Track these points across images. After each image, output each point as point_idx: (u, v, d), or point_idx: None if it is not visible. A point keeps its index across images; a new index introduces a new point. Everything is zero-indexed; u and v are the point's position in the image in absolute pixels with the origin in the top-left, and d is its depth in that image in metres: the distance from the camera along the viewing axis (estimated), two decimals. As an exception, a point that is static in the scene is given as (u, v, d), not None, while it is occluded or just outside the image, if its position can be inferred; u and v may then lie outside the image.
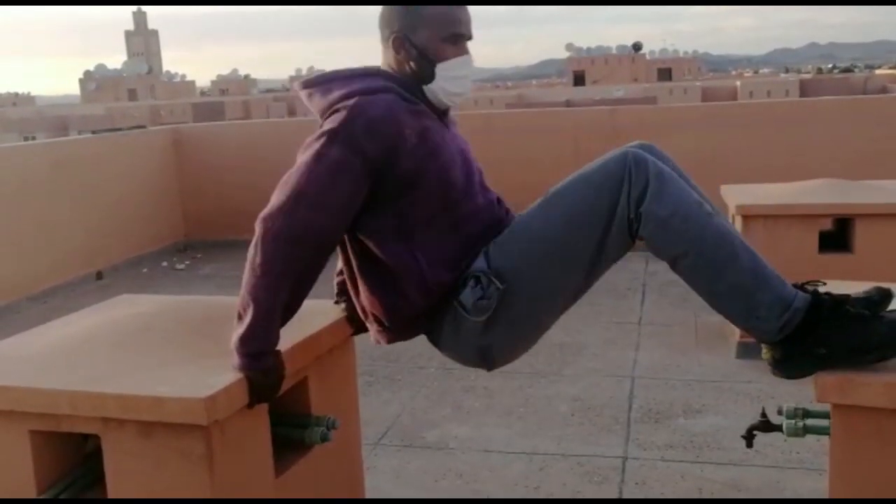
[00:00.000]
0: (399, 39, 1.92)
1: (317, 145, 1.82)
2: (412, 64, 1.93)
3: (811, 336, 1.71)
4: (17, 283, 5.68)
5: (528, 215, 1.93)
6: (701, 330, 4.37)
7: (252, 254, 1.79)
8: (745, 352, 3.89)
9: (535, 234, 1.89)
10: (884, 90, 47.07)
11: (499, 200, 2.08)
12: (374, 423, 3.36)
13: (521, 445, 3.14)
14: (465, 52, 1.95)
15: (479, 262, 1.91)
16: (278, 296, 1.79)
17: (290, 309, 1.86)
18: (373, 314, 2.01)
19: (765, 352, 1.81)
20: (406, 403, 3.62)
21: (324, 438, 2.01)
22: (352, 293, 2.06)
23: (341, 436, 2.14)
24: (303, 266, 1.81)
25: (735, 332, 4.01)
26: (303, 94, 1.98)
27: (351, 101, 1.82)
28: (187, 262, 6.91)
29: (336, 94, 1.88)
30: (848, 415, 1.64)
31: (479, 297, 1.86)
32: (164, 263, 6.88)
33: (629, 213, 1.80)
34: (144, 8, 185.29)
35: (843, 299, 1.73)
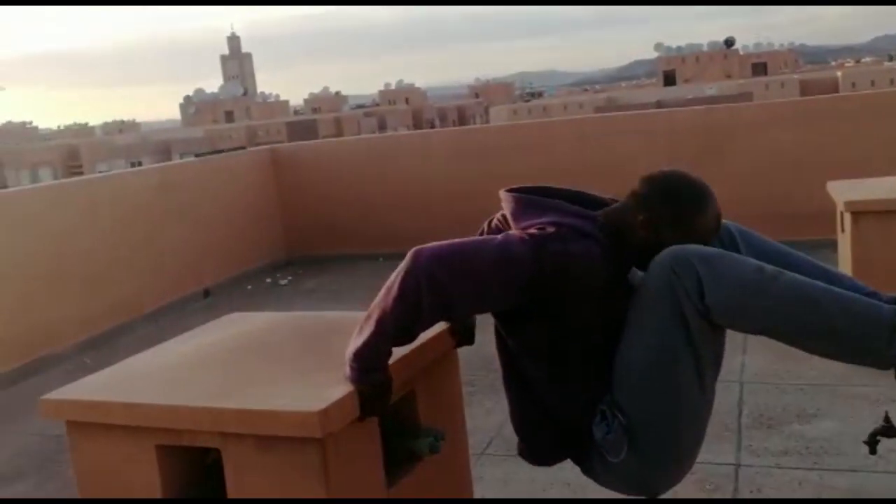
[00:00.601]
0: (652, 226, 1.90)
1: (512, 236, 1.87)
2: (640, 243, 1.91)
3: None
4: (131, 303, 5.94)
5: (623, 345, 1.91)
6: (811, 332, 4.22)
7: (393, 278, 1.82)
8: (861, 354, 3.74)
9: (633, 367, 1.88)
10: None
11: None
12: (478, 432, 3.37)
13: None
14: None
15: (608, 395, 1.94)
16: (401, 324, 1.82)
17: (406, 338, 1.89)
18: (519, 429, 2.12)
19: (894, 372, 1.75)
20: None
21: (433, 450, 2.04)
22: (509, 397, 2.14)
23: (449, 446, 2.16)
24: (429, 314, 1.83)
25: (848, 334, 3.85)
26: (509, 203, 2.00)
27: (562, 229, 1.84)
28: (290, 278, 7.09)
29: (549, 217, 1.89)
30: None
31: (606, 432, 1.90)
32: (268, 280, 7.08)
33: (698, 310, 1.76)
34: (238, 32, 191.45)
35: None
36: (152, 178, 6.80)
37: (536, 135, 7.37)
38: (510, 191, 2.02)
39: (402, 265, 1.81)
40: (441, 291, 1.78)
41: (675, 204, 1.89)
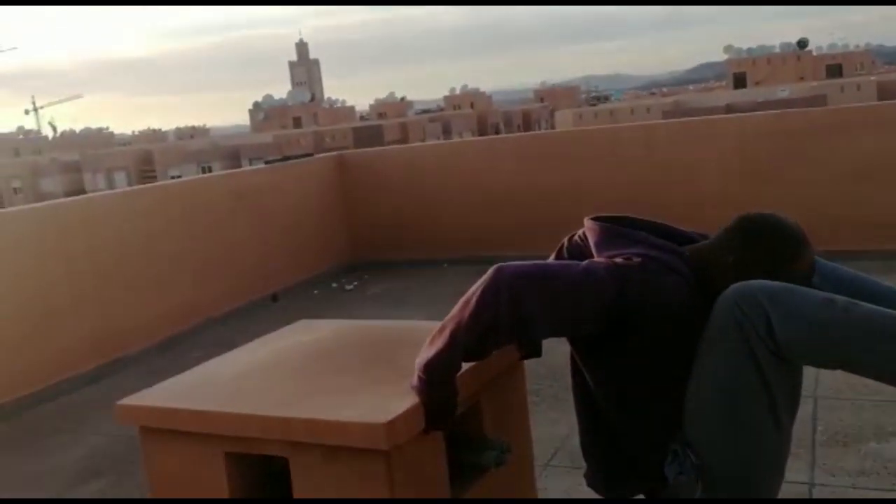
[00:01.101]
0: (743, 268, 1.85)
1: (598, 262, 1.85)
2: (728, 284, 1.84)
3: None
4: (200, 307, 6.07)
5: (693, 384, 1.85)
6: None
7: (472, 292, 1.81)
8: (943, 369, 3.60)
9: (704, 406, 1.83)
10: None
11: None
12: (543, 443, 3.34)
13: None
14: None
15: (680, 433, 1.89)
16: (475, 339, 1.81)
17: (478, 355, 1.88)
18: (590, 454, 2.11)
19: None
20: (574, 424, 3.54)
21: (499, 462, 2.03)
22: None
23: (515, 459, 2.14)
24: (506, 332, 1.82)
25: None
26: (593, 233, 1.99)
27: (649, 262, 1.83)
28: (355, 283, 7.16)
29: (636, 249, 1.87)
30: None
31: (678, 472, 1.85)
32: (334, 285, 7.16)
33: (770, 349, 1.70)
34: (305, 38, 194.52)
35: None
36: (223, 184, 6.95)
37: (603, 140, 7.30)
38: (595, 219, 1.99)
39: (483, 279, 1.80)
40: (521, 309, 1.77)
41: (770, 251, 1.85)
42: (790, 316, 1.68)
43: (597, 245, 1.95)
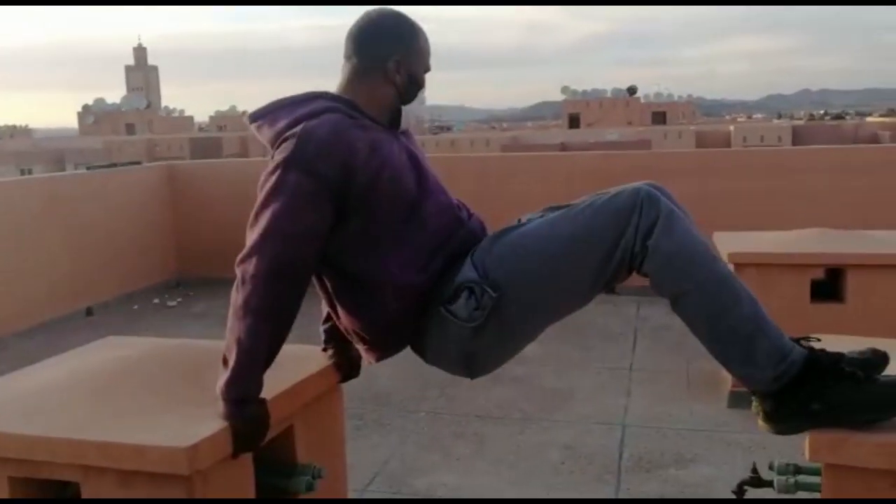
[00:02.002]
0: (398, 64, 1.98)
1: (273, 178, 1.82)
2: (399, 87, 2.00)
3: (805, 391, 1.70)
4: (6, 318, 5.64)
5: (532, 230, 1.92)
6: (693, 377, 4.34)
7: (233, 297, 1.81)
8: (737, 401, 3.86)
9: (537, 248, 1.88)
10: (874, 138, 47.52)
11: (461, 205, 2.11)
12: (362, 468, 3.32)
13: (511, 493, 3.10)
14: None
15: (468, 272, 1.90)
16: (260, 338, 1.79)
17: (271, 351, 1.84)
18: (356, 333, 2.01)
19: (755, 404, 1.80)
20: (395, 449, 3.57)
21: (309, 488, 1.98)
22: (334, 319, 2.07)
23: (327, 485, 2.10)
24: (282, 303, 1.81)
25: (727, 381, 3.98)
26: (252, 127, 1.99)
27: (298, 128, 1.83)
28: (179, 300, 6.88)
29: (282, 123, 1.89)
30: (839, 474, 1.62)
31: (475, 307, 1.86)
32: (156, 300, 6.85)
33: (634, 246, 1.80)
34: (145, 43, 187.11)
35: (839, 357, 1.72)
36: (38, 188, 6.52)
37: (441, 168, 7.41)
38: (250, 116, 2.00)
39: (237, 279, 1.81)
40: (283, 269, 1.78)
41: (388, 37, 1.98)
42: (672, 232, 1.77)
43: (260, 135, 1.98)
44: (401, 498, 3.12)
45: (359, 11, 2.06)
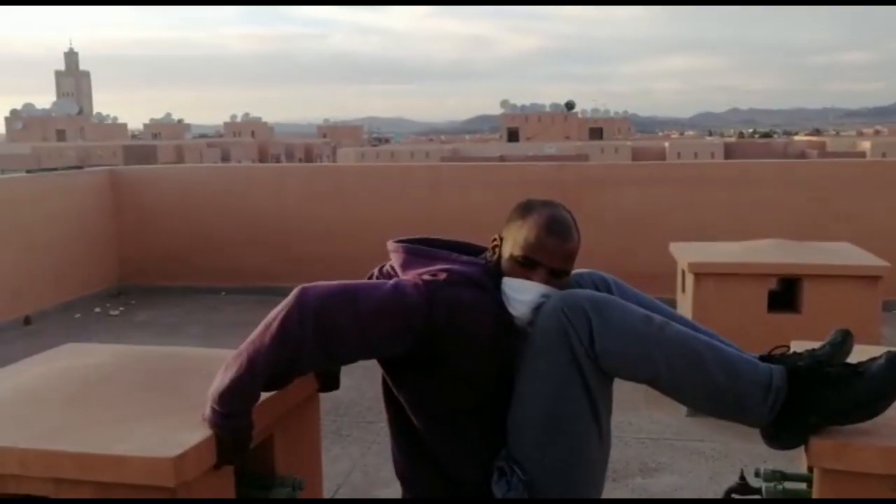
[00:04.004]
0: (495, 240, 1.90)
1: (404, 280, 1.79)
2: (492, 270, 1.87)
3: (799, 407, 1.70)
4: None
5: (515, 403, 1.84)
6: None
7: (273, 314, 1.70)
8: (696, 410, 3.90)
9: (529, 419, 1.82)
10: (803, 155, 49.11)
11: None
12: (326, 479, 3.23)
13: None
14: (536, 278, 1.82)
15: (503, 451, 1.86)
16: (276, 364, 1.70)
17: (275, 385, 1.76)
18: (409, 481, 1.98)
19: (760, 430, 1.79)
20: (357, 460, 3.50)
21: (290, 499, 1.90)
22: (392, 451, 2.02)
23: (306, 495, 2.03)
24: (307, 359, 1.72)
25: (686, 390, 4.01)
26: (398, 255, 1.92)
27: (453, 276, 1.79)
28: (122, 308, 6.66)
29: (439, 265, 1.84)
30: (838, 480, 1.61)
31: (506, 489, 1.80)
32: (98, 309, 6.62)
33: (591, 358, 1.74)
34: (76, 48, 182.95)
35: (818, 362, 1.73)
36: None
37: (394, 177, 7.37)
38: (398, 241, 1.95)
39: (286, 302, 1.69)
40: (327, 333, 1.68)
41: (513, 217, 1.88)
42: (609, 327, 1.72)
43: (402, 266, 1.91)
44: (377, 497, 3.04)
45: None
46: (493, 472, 1.83)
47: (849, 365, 1.73)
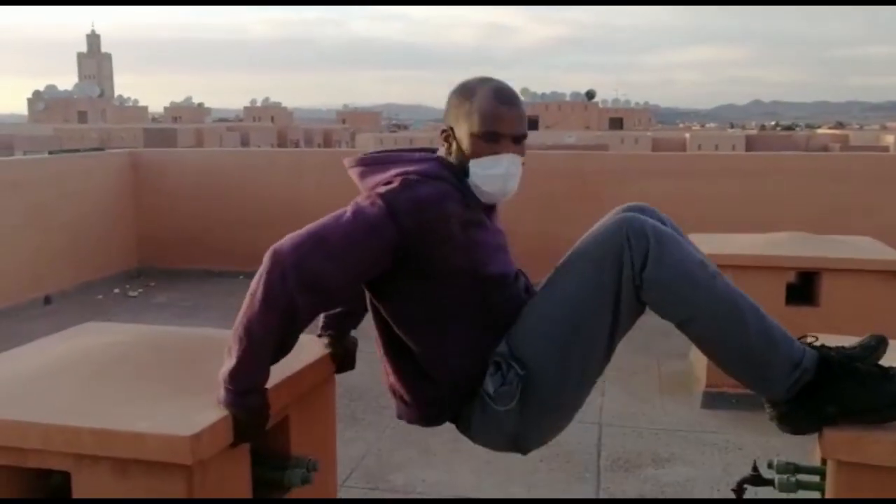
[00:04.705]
0: (445, 132, 1.90)
1: (360, 201, 1.78)
2: (453, 158, 1.89)
3: (820, 394, 1.70)
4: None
5: (540, 298, 1.88)
6: (664, 378, 4.36)
7: (254, 286, 1.71)
8: (710, 402, 3.90)
9: (547, 317, 1.84)
10: (825, 148, 48.63)
11: (520, 274, 2.01)
12: (339, 463, 3.25)
13: (492, 492, 3.07)
14: (503, 150, 1.85)
15: (501, 346, 1.86)
16: (273, 334, 1.71)
17: (282, 350, 1.78)
18: (399, 393, 1.96)
19: (768, 406, 1.79)
20: (371, 444, 3.53)
21: (304, 480, 1.93)
22: (382, 366, 2.00)
23: (320, 477, 2.05)
24: (303, 312, 1.73)
25: (700, 382, 4.01)
26: (354, 171, 1.93)
27: (408, 178, 1.79)
28: (141, 290, 6.72)
29: (393, 171, 1.84)
30: (852, 472, 1.62)
31: (500, 383, 1.81)
32: (117, 290, 6.69)
33: (635, 280, 1.75)
34: (98, 30, 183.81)
35: (851, 357, 1.72)
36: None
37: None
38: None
39: (263, 267, 1.70)
40: (311, 281, 1.69)
41: (457, 102, 1.88)
42: (665, 258, 1.73)
43: (360, 177, 1.91)
44: (381, 497, 3.07)
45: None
46: (489, 365, 1.84)
47: (880, 366, 1.73)
